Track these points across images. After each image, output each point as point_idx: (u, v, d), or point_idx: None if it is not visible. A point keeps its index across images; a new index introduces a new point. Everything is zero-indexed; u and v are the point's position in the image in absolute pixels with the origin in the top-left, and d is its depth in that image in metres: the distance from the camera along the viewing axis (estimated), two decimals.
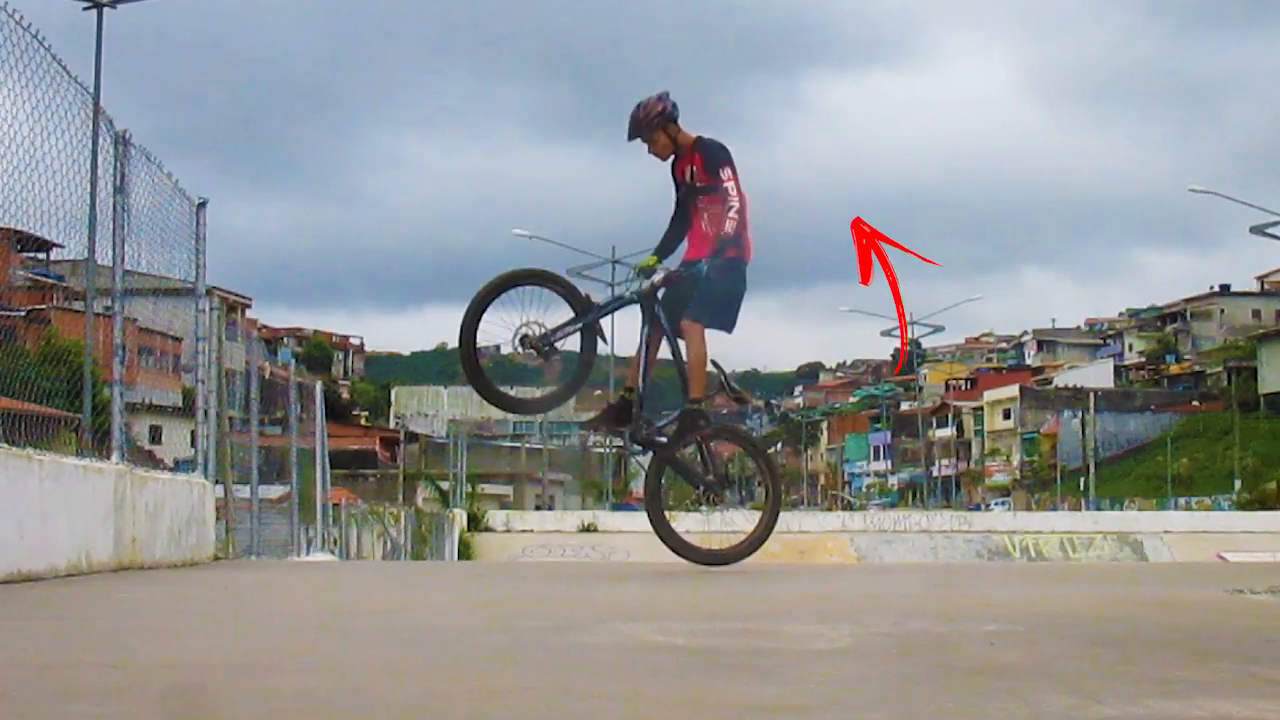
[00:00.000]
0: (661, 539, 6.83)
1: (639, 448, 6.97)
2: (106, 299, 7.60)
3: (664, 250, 6.80)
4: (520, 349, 6.50)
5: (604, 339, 6.72)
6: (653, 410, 6.79)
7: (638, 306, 6.70)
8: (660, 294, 6.67)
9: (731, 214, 6.48)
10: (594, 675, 2.84)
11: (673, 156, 6.74)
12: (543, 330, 6.50)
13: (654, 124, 6.65)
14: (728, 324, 6.67)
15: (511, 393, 6.90)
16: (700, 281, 6.50)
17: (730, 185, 6.53)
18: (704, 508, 6.91)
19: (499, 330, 6.45)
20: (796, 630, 3.67)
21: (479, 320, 6.38)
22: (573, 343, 6.65)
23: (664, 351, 6.77)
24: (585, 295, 6.66)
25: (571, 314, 6.59)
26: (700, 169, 6.65)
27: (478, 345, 6.41)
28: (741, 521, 6.93)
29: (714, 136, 6.72)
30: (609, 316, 7.00)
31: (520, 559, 29.52)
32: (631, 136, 6.68)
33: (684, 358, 6.64)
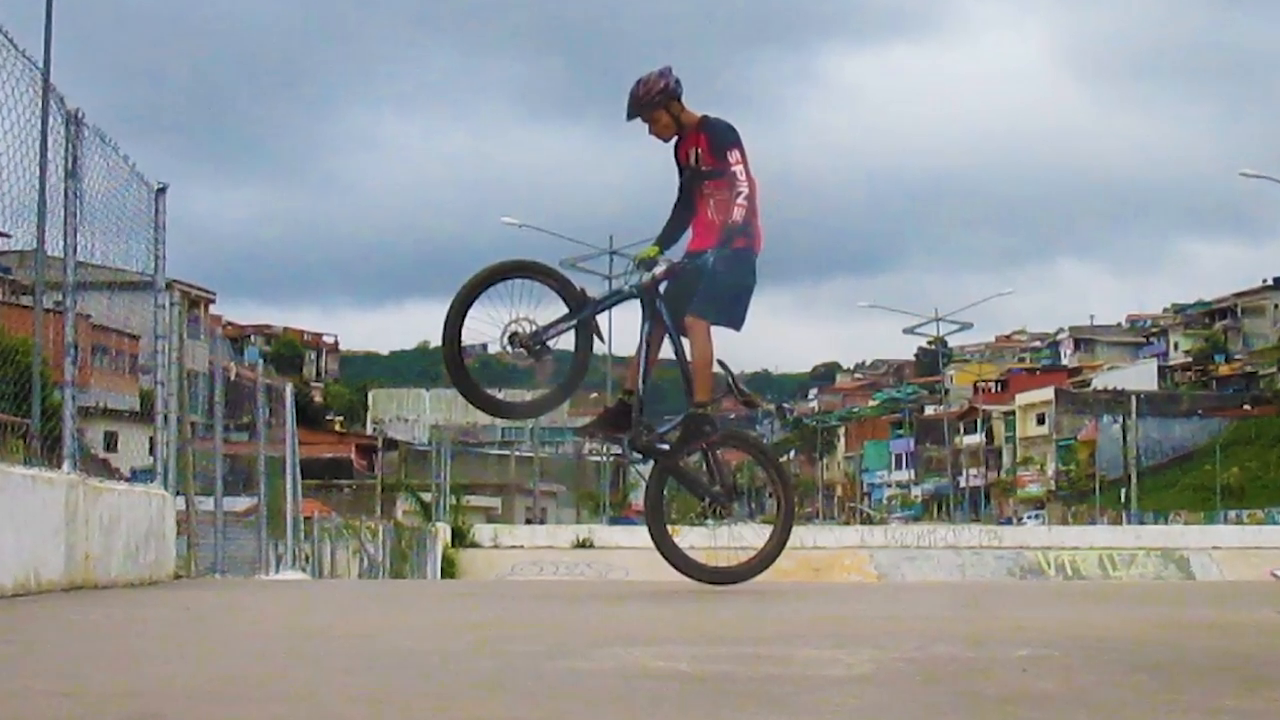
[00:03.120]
0: (663, 556, 6.84)
1: (639, 456, 6.99)
2: (57, 293, 7.61)
3: (666, 240, 6.82)
4: (509, 348, 6.51)
5: (600, 337, 6.73)
6: (654, 415, 6.79)
7: (637, 301, 6.71)
8: (662, 288, 6.68)
9: (740, 200, 6.49)
10: (590, 705, 2.85)
11: (676, 138, 6.76)
12: (534, 327, 6.51)
13: (655, 102, 6.65)
14: (736, 320, 6.68)
15: (499, 396, 6.90)
16: (706, 274, 6.51)
17: (738, 169, 6.54)
18: (710, 521, 6.92)
19: (486, 327, 6.46)
20: (811, 656, 3.68)
21: (464, 316, 6.39)
22: (566, 341, 6.66)
23: (666, 351, 6.77)
24: (580, 289, 6.67)
25: (565, 310, 6.59)
26: (706, 151, 6.66)
27: (463, 344, 6.42)
28: (751, 536, 6.93)
29: (721, 115, 6.73)
30: (606, 312, 7.01)
31: (510, 577, 29.59)
32: (631, 116, 6.69)
33: (688, 357, 6.65)
